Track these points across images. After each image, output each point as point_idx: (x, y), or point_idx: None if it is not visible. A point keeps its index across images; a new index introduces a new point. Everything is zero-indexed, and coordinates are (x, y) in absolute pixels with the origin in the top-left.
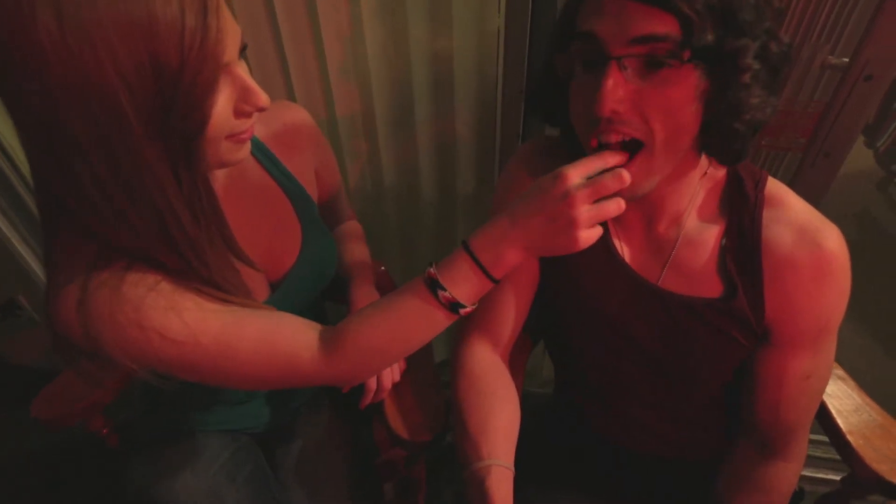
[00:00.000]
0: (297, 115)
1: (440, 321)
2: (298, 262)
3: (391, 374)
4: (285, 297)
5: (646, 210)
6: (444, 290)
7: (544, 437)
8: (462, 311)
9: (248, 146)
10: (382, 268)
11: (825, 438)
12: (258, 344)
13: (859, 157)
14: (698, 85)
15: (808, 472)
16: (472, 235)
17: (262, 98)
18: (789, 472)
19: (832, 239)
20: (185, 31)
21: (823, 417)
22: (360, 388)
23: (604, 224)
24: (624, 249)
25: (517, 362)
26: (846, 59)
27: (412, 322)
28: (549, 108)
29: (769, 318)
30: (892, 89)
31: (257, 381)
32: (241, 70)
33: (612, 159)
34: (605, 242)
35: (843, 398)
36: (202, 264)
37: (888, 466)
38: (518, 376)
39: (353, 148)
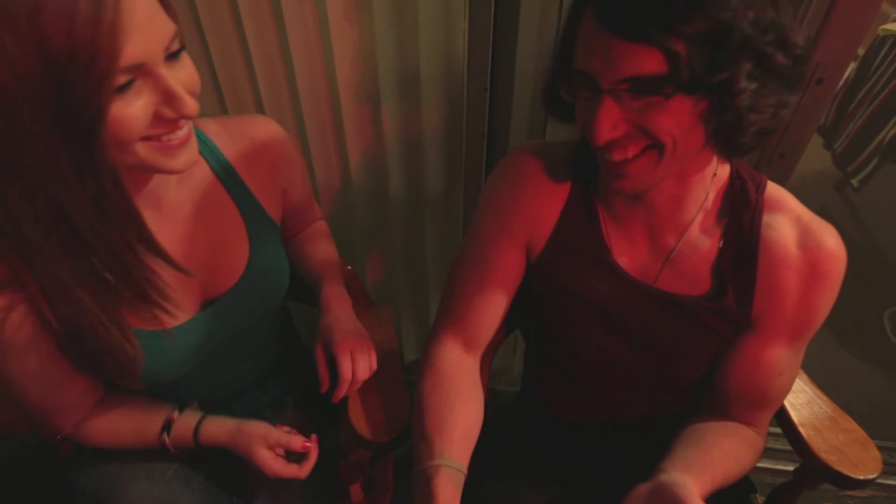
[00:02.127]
0: (267, 131)
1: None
2: (238, 284)
3: (368, 368)
4: (216, 315)
5: (653, 217)
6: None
7: (511, 434)
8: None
9: (187, 155)
10: (349, 267)
11: (780, 430)
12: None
13: (818, 158)
14: (694, 107)
15: (765, 464)
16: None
17: (188, 106)
18: (750, 432)
19: (832, 239)
20: (76, 21)
21: (779, 410)
22: (329, 391)
23: (599, 230)
24: (622, 249)
25: (485, 358)
26: None
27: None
28: (562, 112)
29: (756, 314)
30: (849, 92)
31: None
32: (171, 72)
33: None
34: (600, 252)
35: (796, 392)
36: (114, 261)
37: (836, 457)
38: (484, 372)
39: (321, 147)
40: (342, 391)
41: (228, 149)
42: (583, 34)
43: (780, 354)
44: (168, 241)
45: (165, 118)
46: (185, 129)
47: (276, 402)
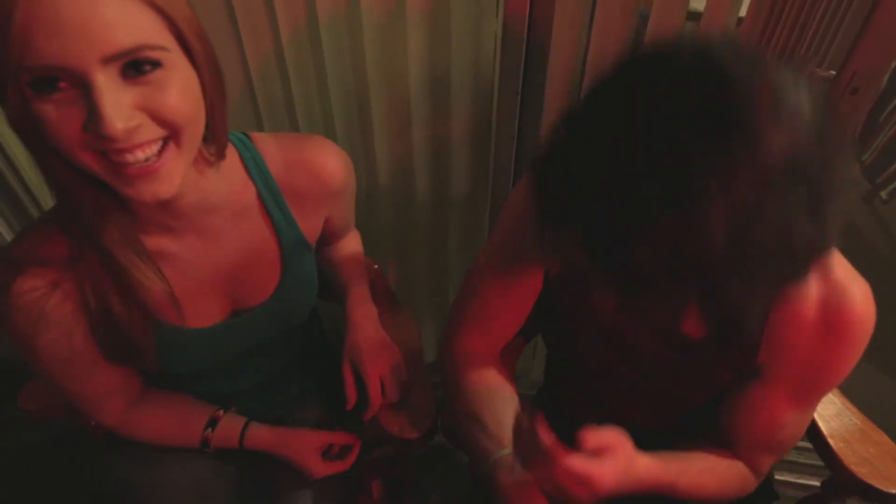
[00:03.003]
0: (326, 162)
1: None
2: (265, 303)
3: (399, 386)
4: (242, 326)
5: None
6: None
7: None
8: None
9: (150, 188)
10: (375, 266)
11: (808, 444)
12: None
13: None
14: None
15: (789, 478)
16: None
17: (105, 126)
18: (744, 468)
19: (857, 301)
20: None
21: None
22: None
23: None
24: None
25: (508, 363)
26: (833, 72)
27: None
28: None
29: (760, 364)
30: (879, 103)
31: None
32: (116, 88)
33: None
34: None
35: (825, 403)
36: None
37: (867, 469)
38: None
39: (348, 145)
40: (372, 413)
41: (281, 172)
42: None
43: (783, 409)
44: (197, 253)
45: (90, 131)
46: (140, 155)
47: (299, 397)
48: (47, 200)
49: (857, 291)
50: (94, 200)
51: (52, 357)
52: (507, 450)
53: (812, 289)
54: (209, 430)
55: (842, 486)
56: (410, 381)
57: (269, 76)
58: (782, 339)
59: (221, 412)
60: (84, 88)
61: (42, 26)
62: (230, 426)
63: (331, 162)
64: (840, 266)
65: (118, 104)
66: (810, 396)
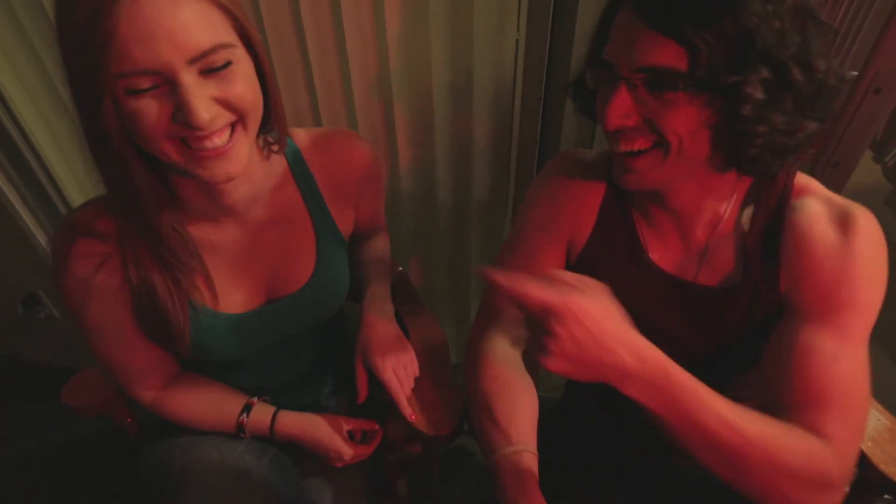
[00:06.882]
0: (355, 151)
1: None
2: (299, 291)
3: (411, 380)
4: (276, 314)
5: (682, 219)
6: (244, 433)
7: (555, 440)
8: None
9: (224, 168)
10: (400, 268)
11: None
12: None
13: (868, 171)
14: (702, 110)
15: None
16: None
17: (194, 117)
18: (813, 439)
19: (862, 218)
20: (75, 25)
21: None
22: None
23: (634, 229)
24: (657, 247)
25: (531, 366)
26: (855, 73)
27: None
28: (586, 106)
29: (785, 292)
30: None
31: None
32: (200, 85)
33: None
34: (636, 250)
35: None
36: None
37: None
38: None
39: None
40: (405, 407)
41: (315, 164)
42: (616, 25)
43: (820, 337)
44: (238, 241)
45: (178, 122)
46: (217, 141)
47: (332, 393)
48: (74, 197)
49: (860, 208)
50: (152, 189)
51: (97, 325)
52: (515, 446)
53: (818, 210)
54: (244, 415)
55: (871, 485)
56: (427, 376)
57: (295, 84)
58: (800, 261)
59: (255, 399)
60: (171, 85)
61: (136, 37)
62: (262, 413)
63: (358, 147)
64: (838, 196)
65: (202, 98)
66: (843, 320)
